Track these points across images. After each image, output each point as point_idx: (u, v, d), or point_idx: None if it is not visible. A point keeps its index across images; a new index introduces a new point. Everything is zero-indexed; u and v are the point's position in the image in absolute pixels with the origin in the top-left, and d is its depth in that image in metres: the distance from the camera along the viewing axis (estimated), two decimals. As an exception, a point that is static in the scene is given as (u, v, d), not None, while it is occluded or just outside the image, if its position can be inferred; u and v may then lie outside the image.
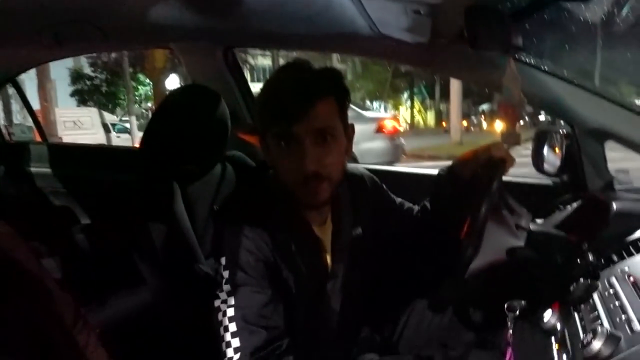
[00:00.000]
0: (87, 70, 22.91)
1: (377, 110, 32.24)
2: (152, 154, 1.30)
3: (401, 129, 8.33)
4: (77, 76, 22.96)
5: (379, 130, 7.54)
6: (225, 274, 1.03)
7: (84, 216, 1.92)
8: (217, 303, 1.02)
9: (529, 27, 1.04)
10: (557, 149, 1.55)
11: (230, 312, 1.00)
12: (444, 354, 1.26)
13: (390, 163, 6.90)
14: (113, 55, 19.63)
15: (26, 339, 0.69)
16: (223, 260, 1.04)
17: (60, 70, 25.60)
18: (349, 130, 1.12)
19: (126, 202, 1.40)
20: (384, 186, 1.35)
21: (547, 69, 1.35)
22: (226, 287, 1.02)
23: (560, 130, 1.52)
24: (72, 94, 23.42)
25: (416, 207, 1.36)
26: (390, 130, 7.70)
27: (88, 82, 22.92)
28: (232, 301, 1.01)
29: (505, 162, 1.07)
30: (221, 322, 1.00)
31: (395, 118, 8.39)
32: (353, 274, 1.20)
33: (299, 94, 1.00)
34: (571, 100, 1.37)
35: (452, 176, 1.21)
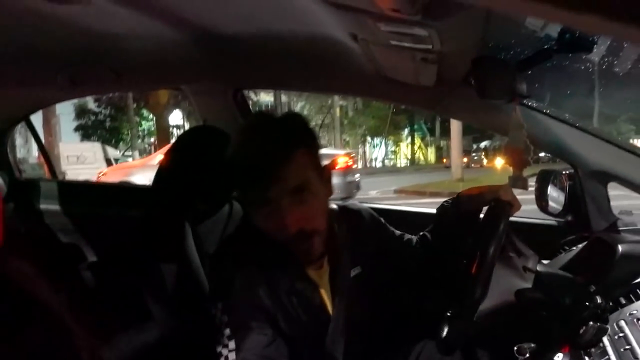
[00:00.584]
0: (92, 105, 23.24)
1: (378, 146, 32.52)
2: (164, 192, 1.33)
3: (355, 166, 8.48)
4: (81, 111, 23.28)
5: (332, 167, 7.64)
6: (224, 318, 1.04)
7: (92, 253, 1.93)
8: (218, 349, 1.03)
9: (532, 74, 1.08)
10: (560, 190, 1.58)
11: (232, 356, 1.01)
12: None
13: (344, 199, 6.99)
14: (118, 91, 19.93)
15: None
16: (220, 305, 1.05)
17: (64, 105, 26.00)
18: (325, 173, 1.10)
19: (137, 239, 1.41)
20: (382, 220, 1.34)
21: (549, 113, 1.39)
22: (226, 332, 1.03)
23: (563, 171, 1.55)
24: (76, 129, 23.70)
25: (415, 238, 1.35)
26: (342, 167, 7.86)
27: (92, 117, 23.21)
28: (232, 345, 1.01)
29: (512, 206, 1.08)
30: None
31: (348, 155, 8.52)
32: (355, 314, 1.19)
33: (266, 160, 0.98)
34: (573, 143, 1.40)
35: (457, 209, 1.21)
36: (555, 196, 1.61)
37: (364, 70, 1.37)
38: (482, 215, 1.14)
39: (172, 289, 1.23)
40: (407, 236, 1.36)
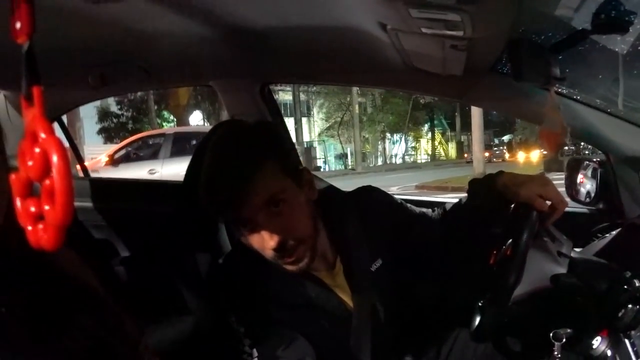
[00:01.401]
0: (114, 108, 23.59)
1: (398, 142, 32.36)
2: (195, 186, 1.35)
3: None
4: (104, 114, 23.65)
5: None
6: (241, 329, 1.04)
7: (124, 249, 1.97)
8: (244, 356, 1.02)
9: (563, 58, 1.07)
10: (591, 178, 1.56)
11: None
12: None
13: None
14: (139, 93, 20.24)
15: (94, 355, 0.72)
16: (234, 319, 1.04)
17: (87, 108, 26.45)
18: (304, 175, 1.07)
19: (169, 234, 1.44)
20: (399, 200, 1.28)
21: (579, 98, 1.38)
22: (246, 342, 1.02)
23: (594, 159, 1.54)
24: (99, 132, 24.09)
25: (435, 211, 1.28)
26: None
27: (115, 120, 23.56)
28: (255, 353, 1.01)
29: (557, 209, 1.03)
30: None
31: None
32: (379, 309, 1.17)
33: (232, 179, 0.95)
34: (605, 129, 1.38)
35: (491, 190, 1.12)
36: (586, 184, 1.59)
37: (392, 61, 1.37)
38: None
39: (207, 279, 1.26)
40: (425, 210, 1.28)
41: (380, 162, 30.59)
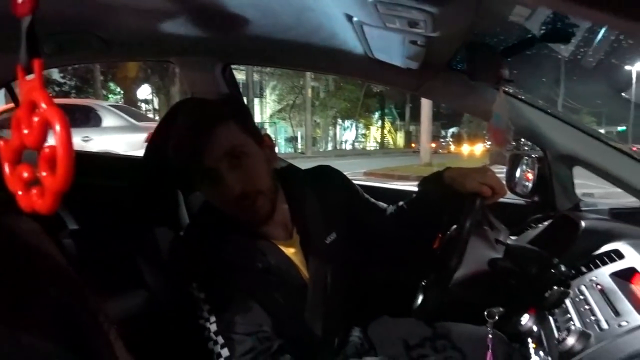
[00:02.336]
0: (56, 76, 22.46)
1: (349, 128, 32.63)
2: (155, 160, 1.36)
3: None
4: (45, 81, 22.42)
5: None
6: (201, 295, 1.07)
7: (72, 222, 1.93)
8: (201, 322, 1.07)
9: (512, 60, 1.16)
10: (529, 172, 1.69)
11: (214, 327, 1.05)
12: (407, 353, 1.32)
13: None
14: (84, 62, 19.32)
15: (60, 323, 0.74)
16: (195, 285, 1.08)
17: (27, 74, 24.93)
18: (265, 140, 1.16)
19: (126, 208, 1.44)
20: (355, 185, 1.38)
21: (523, 98, 1.48)
22: (206, 307, 1.06)
23: (533, 155, 1.66)
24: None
25: (390, 207, 1.37)
26: None
27: (57, 89, 22.47)
28: (213, 318, 1.05)
29: (498, 193, 1.13)
30: (209, 337, 1.05)
31: None
32: (332, 281, 1.23)
33: (194, 130, 1.06)
34: (544, 127, 1.50)
35: (441, 186, 1.23)
36: (524, 178, 1.72)
37: (353, 51, 1.42)
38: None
39: (166, 254, 1.28)
40: (381, 204, 1.38)
41: (330, 148, 30.76)
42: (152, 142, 1.40)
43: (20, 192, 0.48)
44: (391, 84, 1.61)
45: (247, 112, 1.19)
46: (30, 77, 0.46)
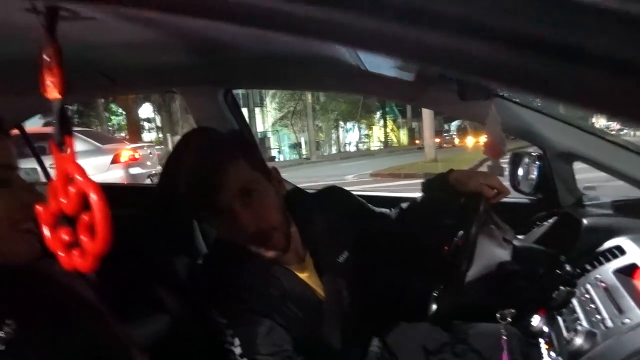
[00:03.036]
0: (58, 101, 22.56)
1: (351, 130, 32.66)
2: (169, 191, 1.41)
3: (141, 158, 8.81)
4: (46, 109, 22.61)
5: (115, 161, 8.04)
6: (223, 321, 1.12)
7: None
8: (226, 346, 1.11)
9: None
10: (531, 170, 1.72)
11: (239, 350, 1.09)
12: (427, 359, 1.35)
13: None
14: (85, 86, 19.43)
15: (94, 356, 0.79)
16: (215, 311, 1.13)
17: (29, 103, 25.14)
18: (273, 174, 1.19)
19: (142, 236, 1.50)
20: (362, 200, 1.41)
21: (518, 101, 1.52)
22: (229, 332, 1.11)
23: (533, 153, 1.70)
24: (45, 125, 23.06)
25: (393, 212, 1.41)
26: (126, 161, 8.19)
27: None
28: (237, 342, 1.10)
29: (501, 193, 1.18)
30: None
31: (134, 149, 8.84)
32: (347, 298, 1.27)
33: (205, 172, 1.07)
34: (541, 127, 1.54)
35: (445, 189, 1.27)
36: (526, 176, 1.75)
37: (349, 67, 1.47)
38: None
39: (185, 280, 1.33)
40: (385, 211, 1.42)
41: (334, 151, 30.78)
42: (165, 172, 1.45)
43: (61, 254, 0.53)
44: (387, 97, 1.66)
45: (256, 147, 1.22)
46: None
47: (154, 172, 8.75)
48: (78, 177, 0.48)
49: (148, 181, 8.24)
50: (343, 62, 1.44)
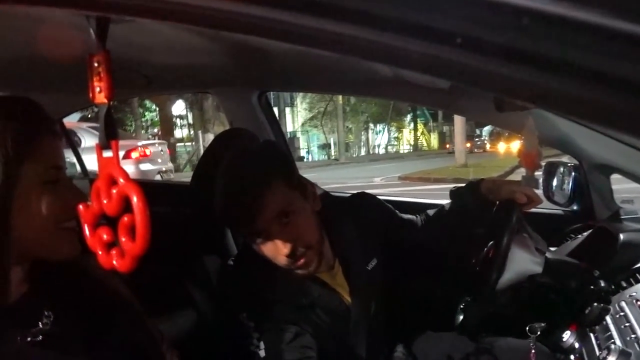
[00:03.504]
0: (95, 97, 23.12)
1: (381, 132, 32.51)
2: (202, 192, 1.44)
3: (152, 155, 9.02)
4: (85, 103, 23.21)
5: (126, 157, 8.24)
6: (251, 324, 1.14)
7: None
8: (252, 348, 1.13)
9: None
10: (566, 181, 1.69)
11: (263, 353, 1.11)
12: None
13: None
14: (121, 82, 19.88)
15: (131, 356, 0.81)
16: (245, 315, 1.15)
17: (68, 97, 25.83)
18: (308, 189, 1.17)
19: (175, 234, 1.53)
20: (390, 207, 1.40)
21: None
22: (255, 335, 1.13)
23: (569, 163, 1.66)
24: (80, 121, 23.68)
25: (419, 219, 1.41)
26: (137, 157, 8.52)
27: (95, 109, 23.13)
28: (262, 345, 1.11)
29: (533, 201, 1.16)
30: None
31: (144, 146, 9.18)
32: (374, 305, 1.28)
33: (246, 197, 1.06)
34: (578, 138, 1.50)
35: (474, 197, 1.26)
36: (561, 187, 1.72)
37: (384, 74, 1.47)
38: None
39: (214, 280, 1.35)
40: (412, 217, 1.42)
41: (363, 153, 30.72)
42: (198, 172, 1.48)
43: (100, 252, 0.55)
44: (422, 103, 1.64)
45: (293, 164, 1.21)
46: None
47: (164, 168, 8.96)
48: (121, 180, 0.50)
49: (158, 177, 8.52)
50: (378, 68, 1.44)
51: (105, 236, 0.54)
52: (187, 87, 2.08)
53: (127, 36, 1.29)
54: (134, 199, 0.48)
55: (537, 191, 1.18)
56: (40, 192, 0.72)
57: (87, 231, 0.56)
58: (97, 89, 0.52)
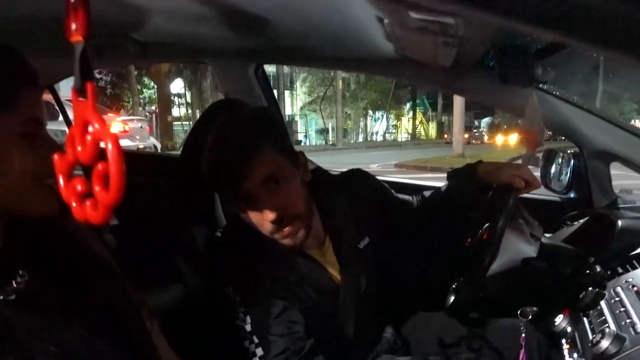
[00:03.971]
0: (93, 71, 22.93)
1: (379, 120, 32.42)
2: (192, 162, 1.40)
3: (131, 131, 9.15)
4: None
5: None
6: (236, 298, 1.11)
7: (113, 218, 2.00)
8: (237, 322, 1.11)
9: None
10: (564, 168, 1.66)
11: (249, 327, 1.09)
12: (443, 352, 1.32)
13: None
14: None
15: (109, 320, 0.78)
16: (230, 289, 1.12)
17: (65, 71, 25.58)
18: (299, 158, 1.14)
19: (163, 205, 1.50)
20: (386, 185, 1.37)
21: (558, 95, 1.46)
22: (241, 309, 1.10)
23: (568, 151, 1.63)
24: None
25: (415, 200, 1.38)
26: (116, 133, 8.67)
27: (93, 84, 22.97)
28: (248, 319, 1.09)
29: (531, 185, 1.13)
30: (245, 337, 1.09)
31: (124, 121, 9.34)
32: (364, 284, 1.25)
33: (234, 158, 1.03)
34: (580, 124, 1.48)
35: (471, 180, 1.24)
36: (559, 174, 1.69)
37: (384, 50, 1.42)
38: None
39: (202, 252, 1.32)
40: (407, 198, 1.39)
41: (360, 139, 30.64)
42: (188, 143, 1.44)
43: (74, 204, 0.52)
44: (422, 82, 1.61)
45: (285, 130, 1.18)
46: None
47: (142, 145, 8.89)
48: (96, 125, 0.46)
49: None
50: (379, 44, 1.41)
51: (79, 187, 0.51)
52: (182, 55, 2.03)
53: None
54: (109, 146, 0.44)
55: (535, 172, 1.15)
56: (16, 145, 0.68)
57: (61, 182, 0.53)
58: (73, 27, 0.48)
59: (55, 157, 0.54)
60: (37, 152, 0.70)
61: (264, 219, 1.06)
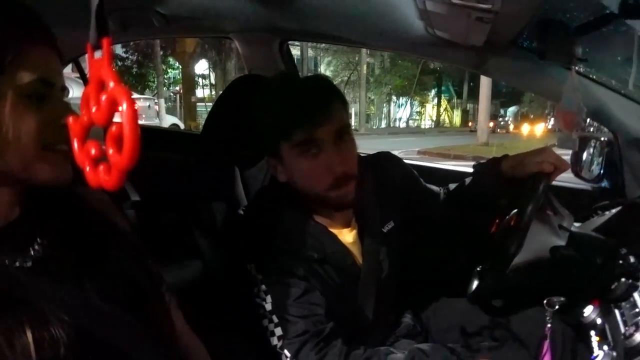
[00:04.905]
0: (119, 51, 23.18)
1: (403, 106, 32.09)
2: (213, 138, 1.38)
3: (139, 110, 9.20)
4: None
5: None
6: (259, 276, 1.09)
7: (134, 193, 2.01)
8: (258, 300, 1.09)
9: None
10: (597, 156, 1.59)
11: (269, 307, 1.07)
12: (465, 340, 1.30)
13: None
14: (145, 37, 19.86)
15: (125, 291, 0.77)
16: (253, 266, 1.10)
17: (92, 49, 25.88)
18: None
19: (185, 181, 1.49)
20: (414, 171, 1.36)
21: (594, 78, 1.39)
22: (262, 287, 1.09)
23: (602, 138, 1.56)
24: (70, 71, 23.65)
25: (441, 191, 1.38)
26: None
27: (119, 63, 23.26)
28: (269, 298, 1.07)
29: (559, 168, 1.09)
30: (264, 315, 1.08)
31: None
32: (385, 267, 1.23)
33: (318, 100, 1.05)
34: (616, 109, 1.41)
35: (498, 172, 1.21)
36: (592, 162, 1.62)
37: (414, 27, 1.38)
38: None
39: (222, 228, 1.31)
40: (435, 188, 1.38)
41: (383, 125, 30.43)
42: (210, 119, 1.42)
43: (87, 168, 0.50)
44: (452, 61, 1.55)
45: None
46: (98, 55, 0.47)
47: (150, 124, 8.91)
48: (110, 83, 0.44)
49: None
50: (409, 21, 1.36)
51: (93, 150, 0.48)
52: (206, 30, 2.00)
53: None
54: (124, 105, 0.42)
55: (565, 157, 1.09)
56: (23, 107, 0.65)
57: (75, 146, 0.50)
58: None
59: (70, 119, 0.52)
60: (46, 117, 0.67)
61: (328, 172, 1.06)
